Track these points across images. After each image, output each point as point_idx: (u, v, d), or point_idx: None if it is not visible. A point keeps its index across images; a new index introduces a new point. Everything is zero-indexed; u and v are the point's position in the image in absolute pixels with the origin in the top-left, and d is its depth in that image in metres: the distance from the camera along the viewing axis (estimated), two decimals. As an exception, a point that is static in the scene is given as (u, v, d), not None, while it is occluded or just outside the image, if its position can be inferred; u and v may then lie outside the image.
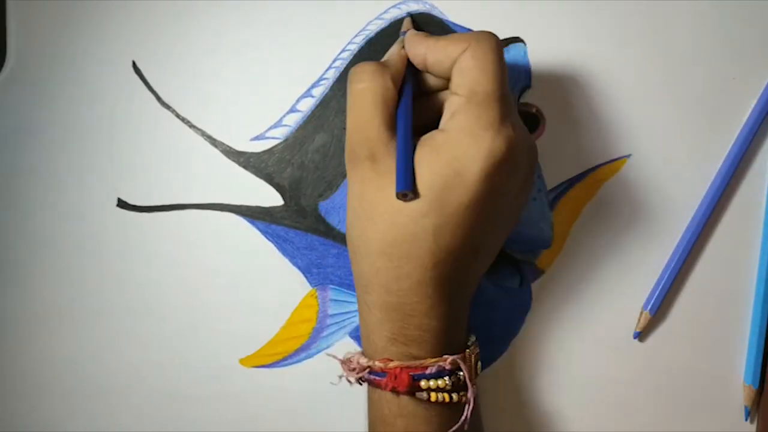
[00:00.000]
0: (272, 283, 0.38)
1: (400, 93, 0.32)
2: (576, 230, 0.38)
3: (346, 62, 0.37)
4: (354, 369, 0.31)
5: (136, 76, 0.38)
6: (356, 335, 0.38)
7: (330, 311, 0.38)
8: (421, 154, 0.30)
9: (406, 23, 0.36)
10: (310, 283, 0.38)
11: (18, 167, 0.38)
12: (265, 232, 0.38)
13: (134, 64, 0.38)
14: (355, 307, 0.38)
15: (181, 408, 0.38)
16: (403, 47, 0.33)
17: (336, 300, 0.38)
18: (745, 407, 0.38)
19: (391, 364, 0.30)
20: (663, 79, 0.38)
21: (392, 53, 0.33)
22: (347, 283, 0.38)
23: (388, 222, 0.30)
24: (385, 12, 0.38)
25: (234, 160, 0.38)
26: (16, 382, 0.38)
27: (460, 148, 0.29)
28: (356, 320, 0.38)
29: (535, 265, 0.38)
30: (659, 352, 0.38)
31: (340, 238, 0.38)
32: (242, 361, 0.38)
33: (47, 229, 0.38)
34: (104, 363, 0.38)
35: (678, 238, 0.38)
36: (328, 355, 0.34)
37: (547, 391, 0.38)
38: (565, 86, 0.38)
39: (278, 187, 0.38)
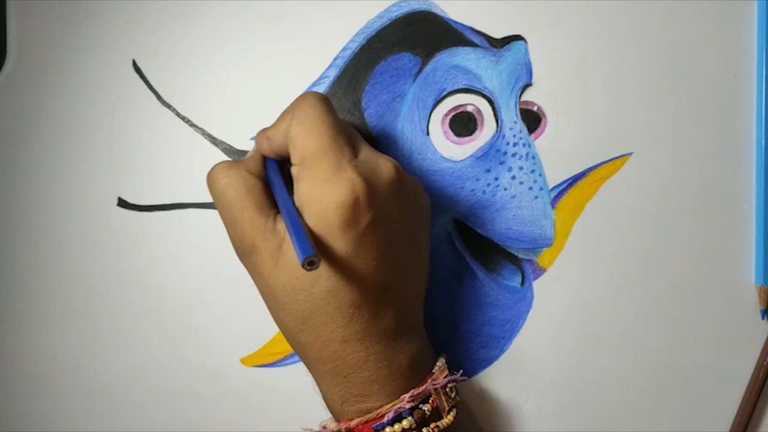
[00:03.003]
0: (273, 282, 0.38)
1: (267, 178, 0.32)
2: (577, 229, 0.38)
3: (347, 60, 0.37)
4: None
5: (136, 75, 0.38)
6: (357, 334, 0.38)
7: (331, 310, 0.38)
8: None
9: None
10: (311, 282, 0.38)
11: (18, 167, 0.38)
12: (266, 231, 0.38)
13: (134, 63, 0.38)
14: (356, 306, 0.38)
15: (182, 407, 0.38)
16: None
17: (337, 299, 0.38)
18: (762, 310, 0.37)
19: (353, 423, 0.31)
20: (664, 77, 0.38)
21: (251, 150, 0.34)
22: (348, 282, 0.38)
23: (290, 302, 0.30)
24: (386, 10, 0.38)
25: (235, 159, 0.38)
26: (16, 382, 0.38)
27: (313, 213, 0.29)
28: (357, 319, 0.38)
29: (536, 263, 0.38)
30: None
31: (341, 237, 0.38)
32: (243, 361, 0.38)
33: (48, 229, 0.38)
34: (105, 362, 0.38)
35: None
36: (305, 430, 0.33)
37: (548, 390, 0.38)
38: (566, 84, 0.38)
39: (279, 186, 0.38)
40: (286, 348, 0.38)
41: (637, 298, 0.38)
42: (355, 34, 0.38)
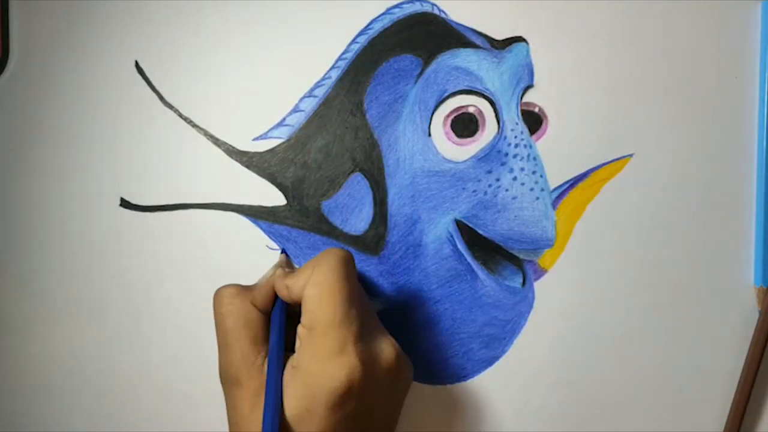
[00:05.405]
0: (275, 283, 0.38)
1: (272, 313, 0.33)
2: (578, 230, 0.38)
3: (349, 62, 0.38)
4: None
5: (138, 76, 0.38)
6: (359, 334, 0.38)
7: (333, 311, 0.38)
8: (287, 377, 0.30)
9: (281, 258, 0.37)
10: (313, 283, 0.38)
11: (20, 167, 0.38)
12: (268, 232, 0.38)
13: (137, 64, 0.38)
14: (358, 306, 0.38)
15: (184, 407, 0.39)
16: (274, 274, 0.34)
17: (339, 299, 0.38)
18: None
19: None
20: (665, 78, 0.38)
21: (262, 278, 0.34)
22: (350, 283, 0.38)
23: None
24: (387, 11, 0.38)
25: (237, 160, 0.38)
26: (18, 381, 0.39)
27: (305, 384, 0.29)
28: (359, 319, 0.38)
29: (537, 264, 0.38)
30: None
31: (342, 238, 0.38)
32: (245, 361, 0.38)
33: (50, 229, 0.38)
34: (106, 363, 0.39)
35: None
36: None
37: (550, 391, 0.38)
38: (567, 85, 0.38)
39: (281, 187, 0.38)
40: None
41: (637, 298, 0.38)
42: (357, 36, 0.38)
